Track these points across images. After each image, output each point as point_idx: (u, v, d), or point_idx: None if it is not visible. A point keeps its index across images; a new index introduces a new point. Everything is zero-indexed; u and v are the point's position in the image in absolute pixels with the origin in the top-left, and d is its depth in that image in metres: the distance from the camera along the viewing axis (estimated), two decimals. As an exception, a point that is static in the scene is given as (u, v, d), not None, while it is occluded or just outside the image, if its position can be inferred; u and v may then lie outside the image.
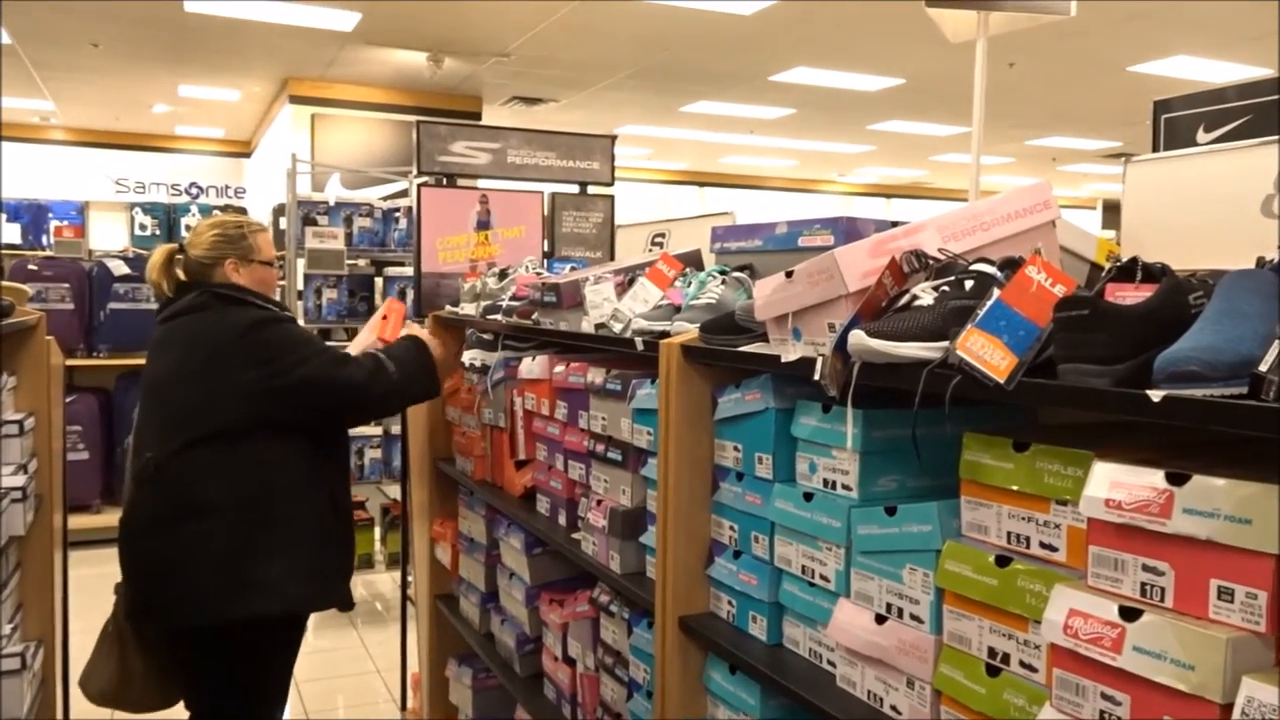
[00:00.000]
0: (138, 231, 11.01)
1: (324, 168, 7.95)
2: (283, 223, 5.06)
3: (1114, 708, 1.01)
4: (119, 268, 6.17)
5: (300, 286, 4.89)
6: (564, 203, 3.75)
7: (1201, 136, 3.34)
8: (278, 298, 2.64)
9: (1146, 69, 8.30)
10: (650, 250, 2.95)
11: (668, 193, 15.19)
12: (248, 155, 13.05)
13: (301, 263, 4.80)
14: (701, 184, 15.66)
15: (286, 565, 2.30)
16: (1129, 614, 0.99)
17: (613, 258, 3.75)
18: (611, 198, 3.87)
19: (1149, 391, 0.93)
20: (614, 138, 3.78)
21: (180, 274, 2.46)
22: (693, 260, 2.28)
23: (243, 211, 8.44)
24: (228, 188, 12.94)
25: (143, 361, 2.48)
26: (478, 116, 9.49)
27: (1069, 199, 16.59)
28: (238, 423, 2.28)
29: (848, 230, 1.84)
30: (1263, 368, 0.86)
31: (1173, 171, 1.42)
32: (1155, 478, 0.99)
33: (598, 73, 8.83)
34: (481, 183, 3.71)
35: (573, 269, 2.75)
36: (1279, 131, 1.50)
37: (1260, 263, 1.07)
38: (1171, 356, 0.93)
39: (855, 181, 16.41)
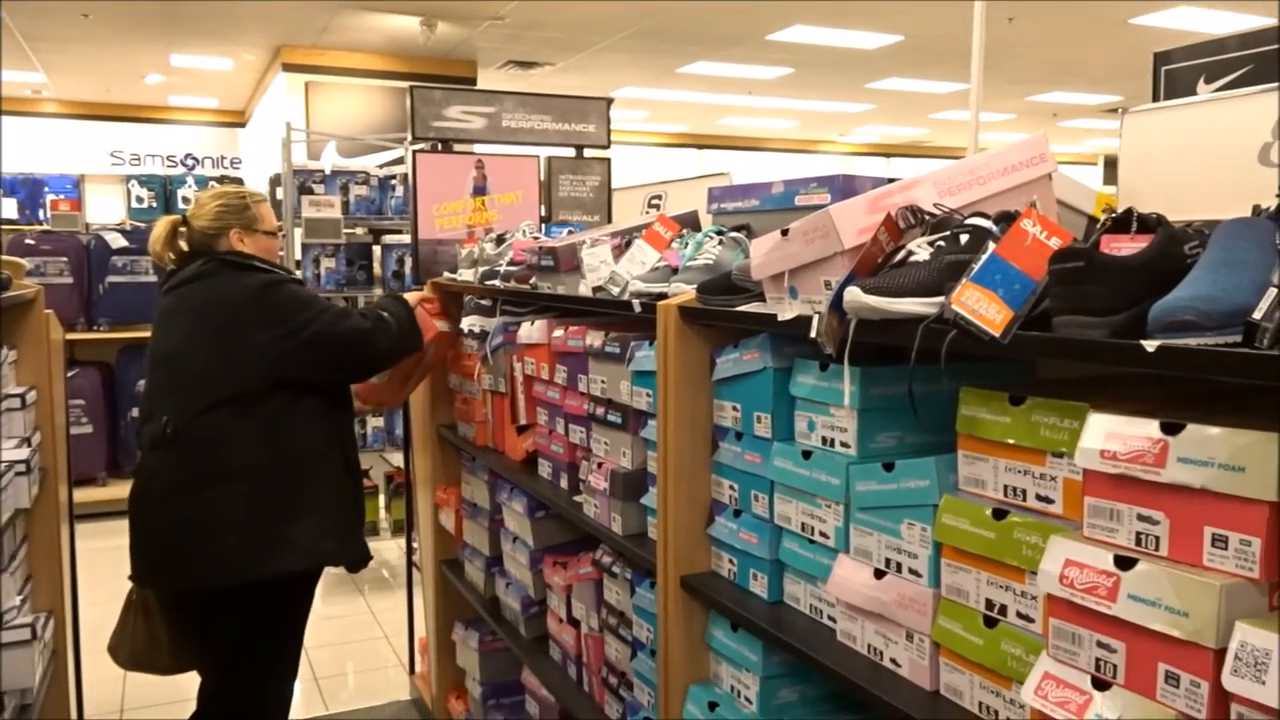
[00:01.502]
0: (134, 204, 10.97)
1: (319, 136, 7.90)
2: (279, 192, 5.05)
3: (1109, 655, 1.02)
4: (116, 240, 6.15)
5: (298, 256, 4.88)
6: (560, 166, 3.73)
7: (1202, 88, 3.31)
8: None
9: (1148, 21, 8.20)
10: (647, 212, 2.93)
11: (666, 156, 15.09)
12: (242, 125, 12.97)
13: (299, 232, 4.79)
14: (700, 146, 15.55)
15: (311, 523, 2.37)
16: (1124, 563, 1.00)
17: (610, 221, 3.73)
18: (608, 161, 3.84)
19: (1144, 342, 0.93)
20: (610, 100, 3.75)
21: (184, 245, 2.49)
22: (690, 221, 2.27)
23: (239, 182, 8.41)
24: (223, 158, 12.88)
25: (145, 334, 2.51)
26: (473, 82, 9.41)
27: (1070, 155, 16.47)
28: (257, 385, 2.33)
29: (844, 188, 1.82)
30: (1257, 315, 0.86)
31: (1170, 122, 1.41)
32: (1150, 428, 0.99)
33: (593, 35, 8.74)
34: (477, 148, 3.69)
35: (569, 233, 2.74)
36: (1278, 79, 1.49)
37: (1256, 211, 1.06)
38: (1166, 306, 0.92)
39: (855, 141, 16.29)
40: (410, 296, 2.78)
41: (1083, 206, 1.71)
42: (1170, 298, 0.93)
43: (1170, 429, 0.97)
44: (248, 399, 2.32)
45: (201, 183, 11.01)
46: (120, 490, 2.61)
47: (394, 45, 8.93)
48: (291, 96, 8.98)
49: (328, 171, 4.92)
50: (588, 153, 3.79)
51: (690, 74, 10.60)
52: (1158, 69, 3.44)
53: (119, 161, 12.36)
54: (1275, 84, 1.26)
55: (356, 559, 2.52)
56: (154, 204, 10.97)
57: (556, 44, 9.09)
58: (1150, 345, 0.93)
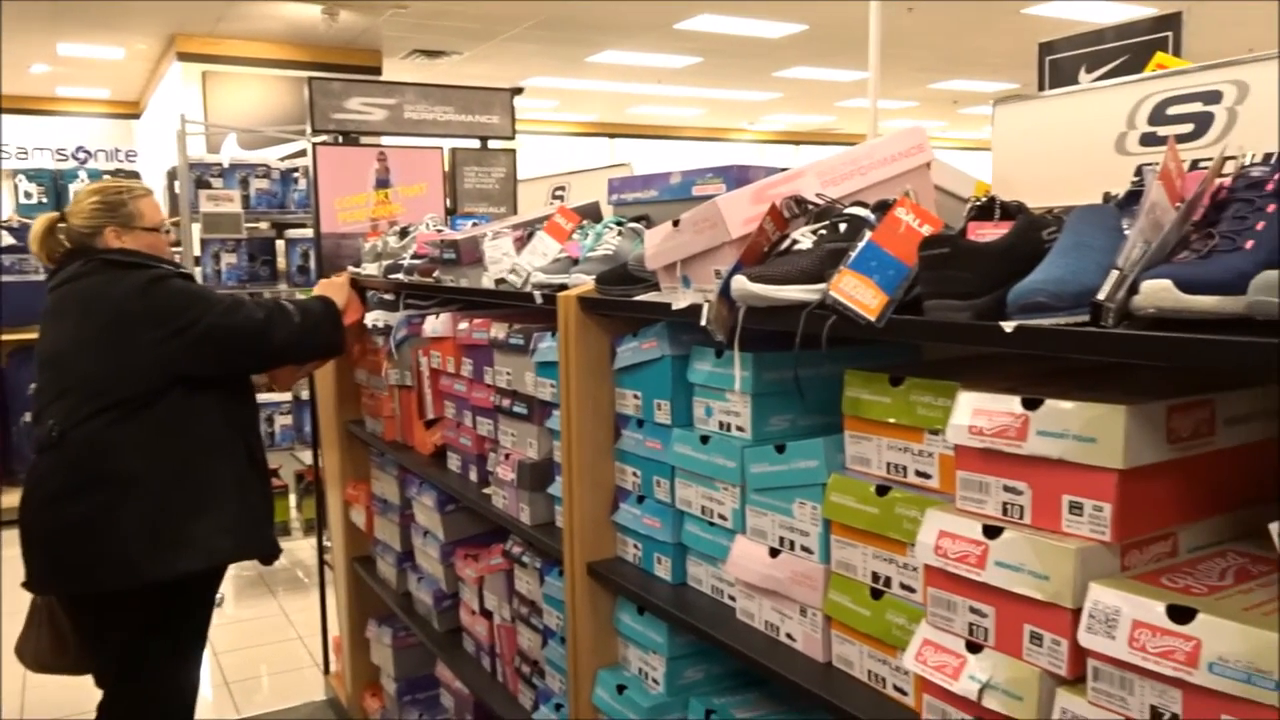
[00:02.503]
0: (22, 200, 10.46)
1: (217, 128, 7.68)
2: (176, 187, 4.89)
3: (981, 620, 1.08)
4: (3, 238, 5.90)
5: (197, 252, 4.75)
6: (465, 158, 3.71)
7: (1083, 77, 3.46)
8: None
9: (1039, 11, 8.49)
10: (551, 204, 2.94)
11: (578, 145, 15.06)
12: (137, 117, 12.51)
13: (197, 228, 4.66)
14: (612, 135, 15.57)
15: (209, 521, 2.33)
16: (991, 532, 1.06)
17: (516, 213, 3.73)
18: (513, 152, 3.83)
19: (1003, 323, 0.99)
20: (514, 91, 3.74)
21: (64, 242, 2.41)
22: (591, 213, 2.29)
23: (134, 176, 8.11)
24: (118, 151, 12.39)
25: (36, 335, 2.43)
26: (378, 71, 9.25)
27: (971, 141, 16.95)
28: (147, 385, 2.28)
29: (738, 178, 1.86)
30: (1101, 296, 0.92)
31: (1036, 113, 1.48)
32: (1013, 404, 1.05)
33: (500, 24, 8.67)
34: (379, 140, 3.64)
35: (474, 225, 2.73)
36: (1142, 70, 1.57)
37: (1107, 198, 1.13)
38: (1022, 289, 0.98)
39: (764, 129, 16.50)
40: (341, 278, 2.73)
41: (962, 193, 1.78)
42: (1026, 281, 0.99)
43: (1030, 404, 1.04)
44: (139, 399, 2.27)
45: (95, 176, 10.55)
46: (14, 497, 2.52)
47: (295, 34, 8.72)
48: (188, 87, 8.70)
49: (226, 165, 4.79)
50: (492, 144, 3.77)
51: (599, 63, 10.60)
52: (1042, 58, 3.58)
53: (5, 155, 11.80)
54: (1128, 78, 1.34)
55: (260, 555, 2.49)
56: (44, 199, 10.48)
57: (463, 33, 8.99)
58: (1008, 326, 0.98)
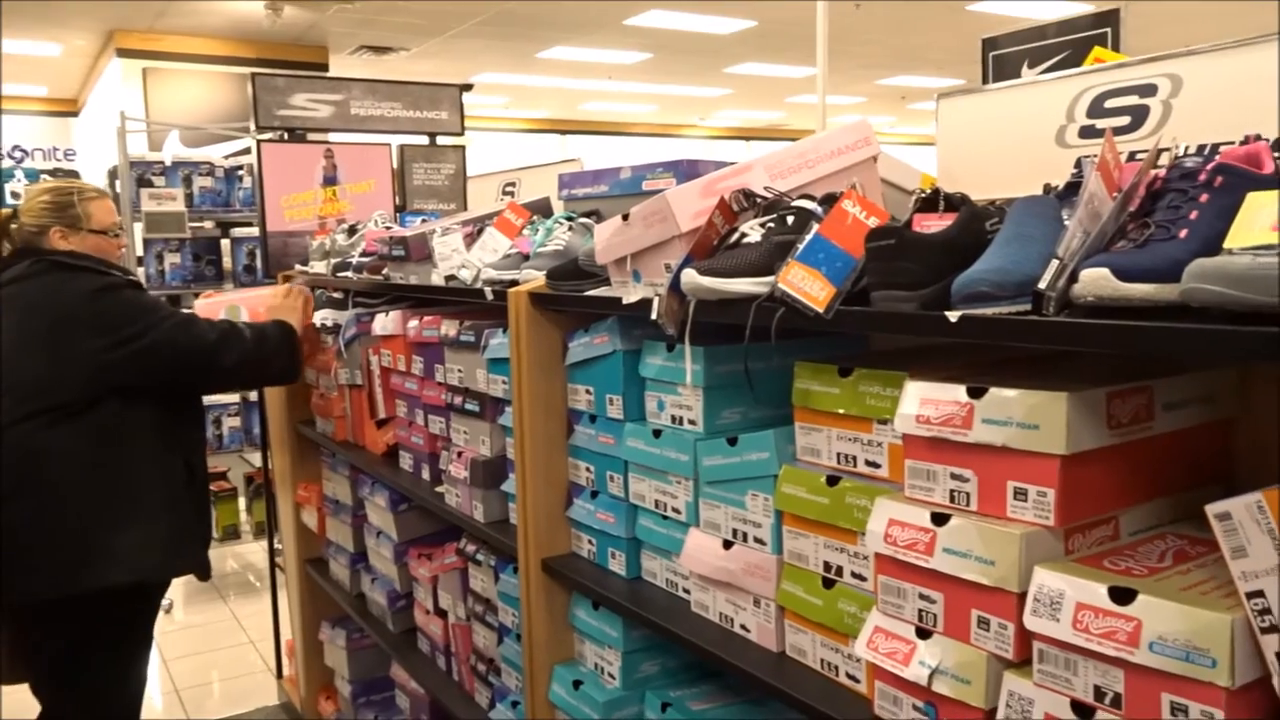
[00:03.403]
0: (-44, 200, 10.20)
1: (159, 125, 7.52)
2: (117, 186, 4.78)
3: (930, 606, 1.09)
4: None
5: (140, 252, 4.65)
6: (413, 155, 3.67)
7: (1026, 72, 3.52)
8: (122, 265, 2.53)
9: (983, 8, 8.62)
10: (501, 200, 2.93)
11: (529, 142, 14.99)
12: (75, 115, 12.21)
13: (139, 227, 4.56)
14: (563, 132, 15.51)
15: (137, 535, 2.25)
16: (939, 519, 1.08)
17: (466, 209, 3.70)
18: (463, 148, 3.80)
19: (947, 313, 1.00)
20: (462, 87, 3.72)
21: (11, 242, 2.36)
22: (541, 208, 2.28)
23: (73, 174, 7.91)
24: (55, 150, 12.06)
25: None
26: (324, 68, 9.12)
27: (919, 136, 17.16)
28: (83, 392, 2.21)
29: (688, 172, 1.87)
30: (1042, 285, 0.93)
31: (979, 106, 1.50)
32: (958, 392, 1.07)
33: (448, 19, 8.60)
34: (328, 136, 3.59)
35: (423, 221, 2.71)
36: (1080, 64, 1.60)
37: (1047, 189, 1.15)
38: (966, 279, 1.00)
39: (716, 125, 16.55)
40: (296, 300, 2.66)
41: (908, 186, 1.80)
42: (969, 272, 1.00)
43: (975, 393, 1.05)
44: (75, 405, 2.20)
45: (32, 176, 10.27)
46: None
47: (238, 30, 8.56)
48: (128, 84, 8.51)
49: (168, 163, 4.69)
50: (441, 140, 3.74)
51: (550, 59, 10.55)
52: (985, 54, 3.64)
53: (-63, 154, 11.45)
54: (1066, 72, 1.36)
55: (191, 573, 2.43)
56: (-21, 199, 10.22)
57: (410, 29, 8.90)
58: (953, 316, 1.00)
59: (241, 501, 5.34)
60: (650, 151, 15.28)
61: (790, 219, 1.27)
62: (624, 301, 1.48)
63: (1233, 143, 1.15)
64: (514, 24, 8.86)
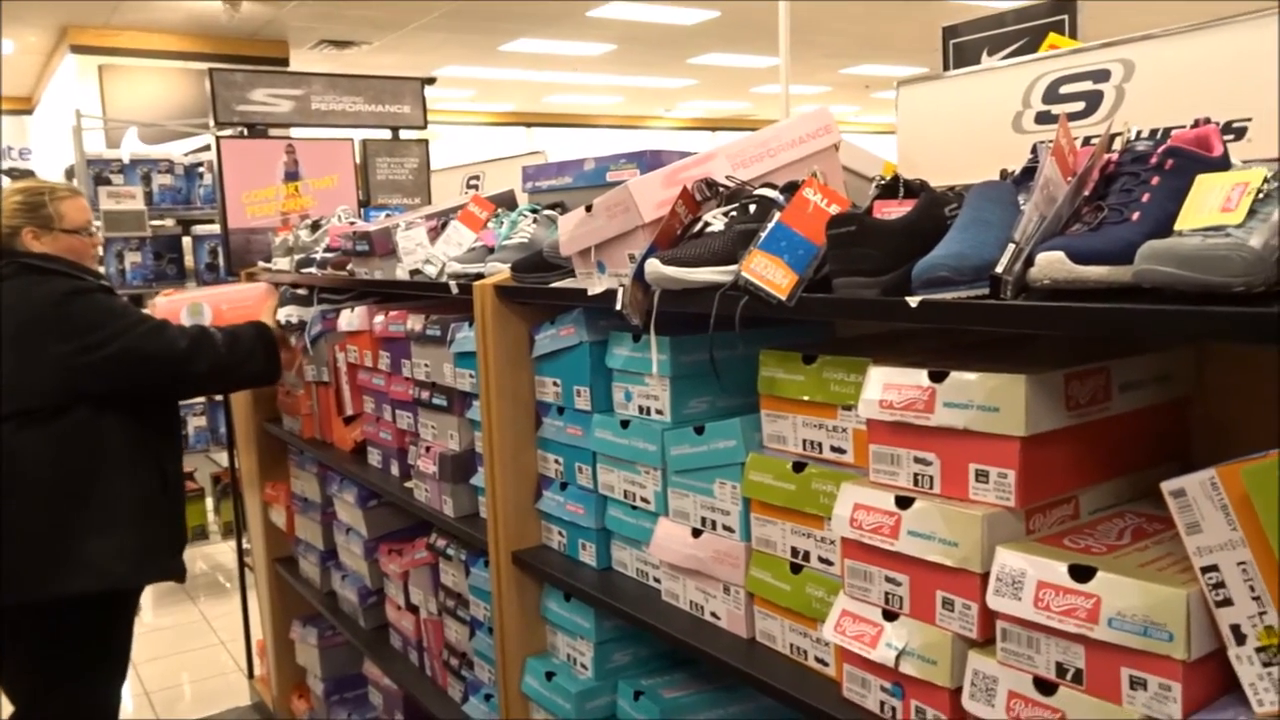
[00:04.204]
0: (-92, 202, 9.96)
1: (116, 123, 7.40)
2: (75, 184, 4.70)
3: (896, 588, 1.11)
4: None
5: (100, 253, 4.57)
6: (376, 149, 3.64)
7: (985, 59, 3.55)
8: (99, 266, 2.50)
9: (945, -4, 8.66)
10: (465, 193, 2.91)
11: (494, 135, 14.91)
12: (30, 113, 11.98)
13: (98, 225, 4.49)
14: (529, 124, 15.44)
15: (108, 542, 2.23)
16: (903, 503, 1.09)
17: (430, 203, 3.68)
18: (426, 142, 3.78)
19: (908, 298, 1.01)
20: (425, 80, 3.69)
21: None
22: (506, 201, 2.27)
23: (29, 174, 7.76)
24: (11, 149, 11.84)
25: None
26: (285, 62, 9.01)
27: (882, 125, 17.26)
28: (51, 397, 2.19)
29: (651, 163, 1.87)
30: (999, 269, 0.94)
31: (938, 93, 1.52)
32: (920, 377, 1.08)
33: (409, 12, 8.52)
34: (293, 131, 3.55)
35: (387, 216, 2.69)
36: (1036, 51, 1.62)
37: (1004, 175, 1.16)
38: (925, 264, 1.01)
39: (681, 116, 16.55)
40: (247, 288, 2.63)
41: (870, 173, 1.81)
42: (928, 257, 1.01)
43: (936, 377, 1.06)
44: (43, 410, 2.18)
45: (-13, 176, 10.10)
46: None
47: (196, 25, 8.43)
48: (83, 80, 8.36)
49: (126, 160, 4.62)
50: (404, 134, 3.71)
51: (513, 52, 10.49)
52: (946, 42, 3.67)
53: (-113, 156, 11.19)
54: (1022, 58, 1.38)
55: (164, 578, 2.40)
56: (-68, 201, 10.00)
57: (371, 22, 8.81)
58: (913, 301, 1.01)
59: (209, 502, 5.29)
60: (616, 143, 15.26)
61: (752, 208, 1.28)
62: (589, 293, 1.48)
63: (1184, 126, 1.17)
64: (476, 17, 8.80)
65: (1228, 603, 0.84)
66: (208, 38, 8.72)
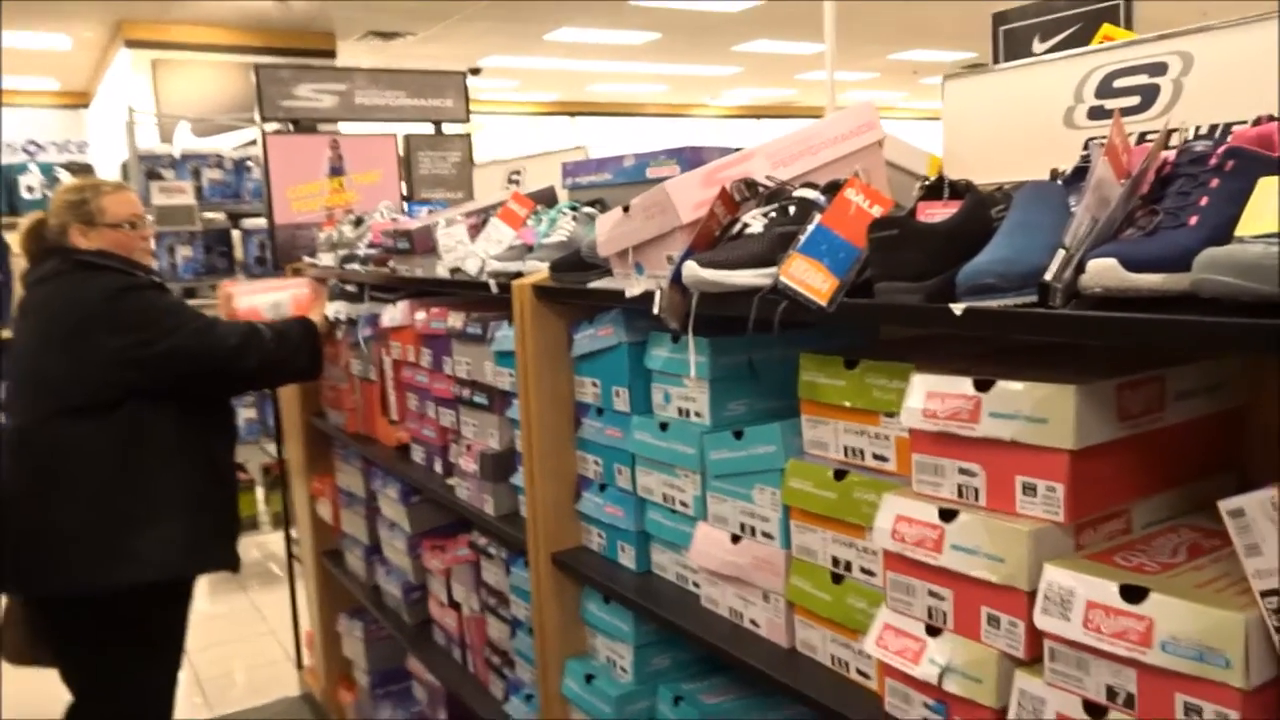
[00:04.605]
0: (-29, 196, 10.23)
1: (166, 117, 7.52)
2: (128, 179, 4.78)
3: (940, 603, 1.08)
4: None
5: (151, 245, 4.65)
6: (419, 144, 3.65)
7: (1037, 46, 3.46)
8: (151, 260, 2.54)
9: (995, -21, 8.47)
10: (507, 188, 2.90)
11: (539, 125, 14.93)
12: (86, 107, 12.24)
13: (149, 219, 4.56)
14: (573, 114, 15.43)
15: (162, 533, 2.27)
16: (947, 515, 1.06)
17: (473, 197, 3.68)
18: (468, 136, 3.78)
19: (952, 305, 0.98)
20: (466, 73, 3.68)
21: (45, 241, 2.39)
22: (547, 197, 2.26)
23: (88, 168, 7.91)
24: (69, 143, 12.12)
25: (4, 333, 2.40)
26: (332, 54, 9.09)
27: (932, 111, 16.96)
28: (107, 391, 2.24)
29: (691, 159, 1.84)
30: (1048, 276, 0.91)
31: (986, 87, 1.47)
32: (965, 385, 1.04)
33: (453, 3, 8.54)
34: (336, 126, 3.58)
35: (429, 211, 2.69)
36: (1089, 42, 1.57)
37: (1054, 174, 1.12)
38: (971, 270, 0.97)
39: (726, 104, 16.42)
40: (303, 284, 2.66)
41: (916, 169, 1.77)
42: (974, 262, 0.98)
43: (982, 385, 1.03)
44: (99, 404, 2.23)
45: (46, 170, 10.33)
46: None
47: (245, 18, 8.53)
48: (137, 75, 8.50)
49: (177, 155, 4.69)
50: (447, 128, 3.71)
51: (557, 41, 10.47)
52: (996, 29, 3.58)
53: (-49, 151, 11.50)
54: (1076, 50, 1.33)
55: (217, 569, 2.45)
56: (-7, 195, 10.25)
57: (416, 14, 8.85)
58: (958, 309, 0.98)
59: (259, 491, 5.37)
60: (660, 132, 15.17)
61: (792, 209, 1.25)
62: (627, 294, 1.46)
63: (1245, 122, 1.11)
64: (520, 7, 8.79)
65: (1290, 629, 0.80)
66: (258, 31, 8.81)
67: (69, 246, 2.35)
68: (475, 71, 11.76)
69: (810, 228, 1.16)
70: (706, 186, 1.35)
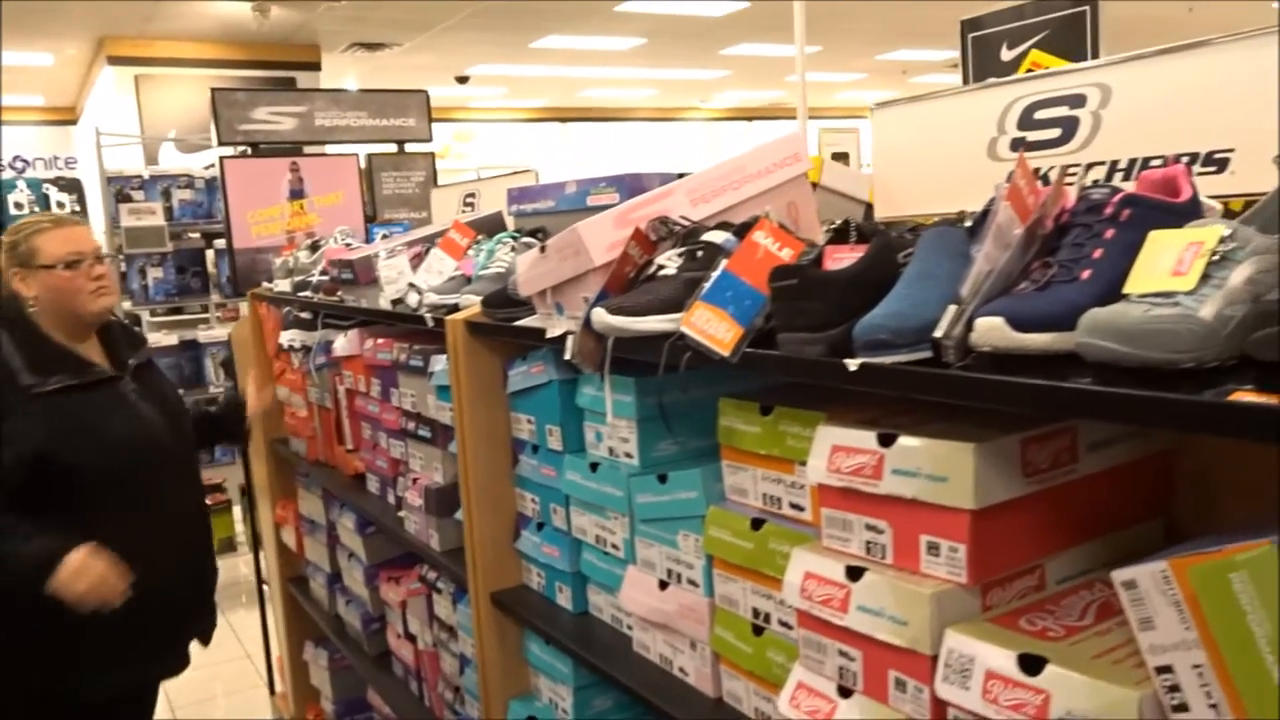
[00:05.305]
0: (-42, 215, 10.21)
1: (149, 138, 7.49)
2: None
3: (850, 664, 1.04)
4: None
5: (123, 268, 4.62)
6: (381, 164, 3.61)
7: (1005, 53, 3.42)
8: (108, 299, 2.15)
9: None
10: (462, 212, 2.87)
11: (529, 131, 14.89)
12: (74, 123, 12.21)
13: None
14: (564, 120, 15.39)
15: (79, 648, 2.02)
16: (854, 574, 1.02)
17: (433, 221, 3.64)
18: (432, 155, 3.74)
19: (846, 361, 0.94)
20: (427, 92, 3.64)
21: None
22: (493, 224, 2.22)
23: (76, 184, 7.81)
24: (56, 159, 12.08)
25: None
26: (317, 67, 9.05)
27: (924, 110, 16.87)
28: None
29: (632, 186, 1.80)
30: (938, 333, 0.87)
31: (914, 116, 1.43)
32: (869, 439, 1.00)
33: (438, 12, 8.50)
34: (302, 149, 3.54)
35: (385, 237, 2.66)
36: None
37: (961, 217, 1.08)
38: (865, 325, 0.93)
39: (717, 107, 16.38)
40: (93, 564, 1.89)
41: (858, 194, 1.74)
42: (869, 316, 0.94)
43: (885, 440, 0.99)
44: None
45: (34, 186, 10.28)
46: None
47: (227, 33, 8.49)
48: (121, 91, 8.47)
49: (146, 176, 4.65)
50: (410, 147, 3.68)
51: (544, 48, 10.44)
52: (965, 35, 3.54)
53: (-61, 169, 11.47)
54: (998, 80, 1.29)
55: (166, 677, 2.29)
56: (-20, 213, 10.22)
57: (400, 24, 8.81)
58: (852, 364, 0.94)
59: (236, 511, 5.33)
60: (651, 137, 15.09)
61: (699, 253, 1.21)
62: (548, 334, 1.43)
63: (1163, 157, 1.08)
64: (504, 16, 8.76)
65: (1183, 708, 0.76)
66: (240, 44, 8.77)
67: (7, 296, 2.08)
68: (464, 80, 11.72)
69: (715, 274, 1.12)
70: (619, 227, 1.31)
